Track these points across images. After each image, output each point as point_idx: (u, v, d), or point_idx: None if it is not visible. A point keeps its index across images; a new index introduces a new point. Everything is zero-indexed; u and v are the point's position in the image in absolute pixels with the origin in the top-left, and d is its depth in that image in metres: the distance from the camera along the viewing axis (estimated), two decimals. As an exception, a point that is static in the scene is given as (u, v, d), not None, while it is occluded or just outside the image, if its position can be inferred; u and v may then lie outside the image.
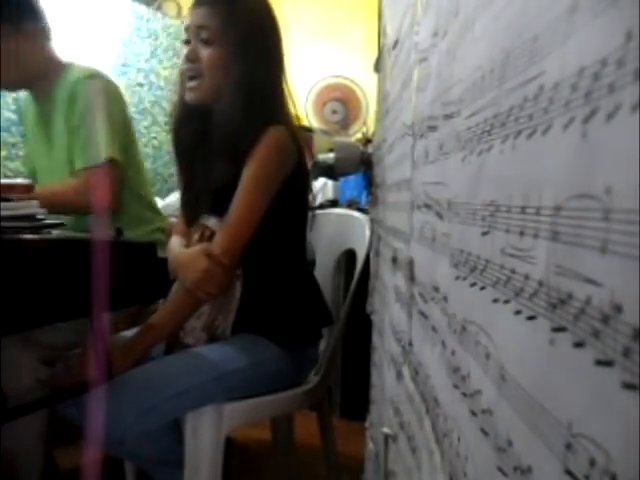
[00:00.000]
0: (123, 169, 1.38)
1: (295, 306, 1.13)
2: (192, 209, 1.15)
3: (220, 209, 1.04)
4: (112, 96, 1.37)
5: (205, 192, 1.09)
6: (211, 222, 1.07)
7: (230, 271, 1.02)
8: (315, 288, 1.21)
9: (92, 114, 1.30)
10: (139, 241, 1.29)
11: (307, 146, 1.16)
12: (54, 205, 1.18)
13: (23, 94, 1.50)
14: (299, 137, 1.11)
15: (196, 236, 1.09)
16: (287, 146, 1.06)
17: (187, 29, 1.07)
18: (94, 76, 1.35)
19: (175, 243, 1.16)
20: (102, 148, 1.31)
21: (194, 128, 1.12)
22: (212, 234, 1.06)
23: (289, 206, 1.11)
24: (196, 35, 1.05)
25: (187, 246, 1.11)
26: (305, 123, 2.46)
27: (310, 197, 1.20)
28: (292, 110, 1.14)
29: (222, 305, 1.06)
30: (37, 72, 1.34)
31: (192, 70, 1.06)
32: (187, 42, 1.07)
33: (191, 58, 1.05)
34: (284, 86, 1.12)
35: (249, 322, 1.07)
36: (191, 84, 1.07)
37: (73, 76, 1.34)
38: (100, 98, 1.31)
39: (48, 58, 1.36)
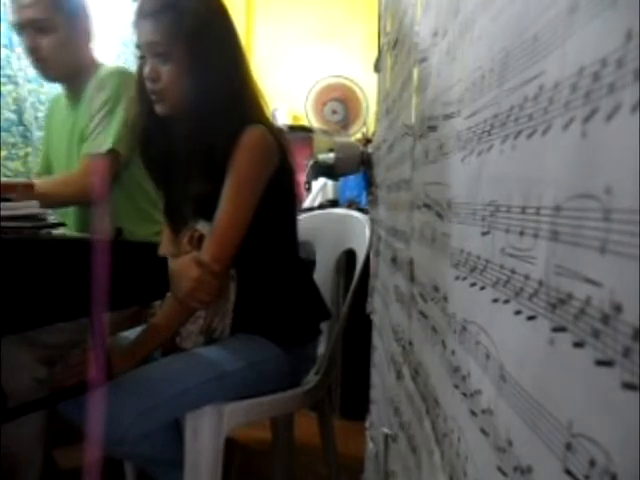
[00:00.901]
0: (123, 164, 1.38)
1: (291, 303, 1.13)
2: (177, 216, 1.14)
3: (206, 213, 1.03)
4: (123, 87, 1.37)
5: (189, 199, 1.08)
6: (200, 225, 1.07)
7: (221, 277, 1.02)
8: (311, 284, 1.21)
9: (111, 104, 1.33)
10: (139, 241, 1.29)
11: (288, 143, 1.14)
12: (51, 198, 1.21)
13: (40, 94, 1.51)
14: (279, 134, 1.09)
15: (185, 239, 1.09)
16: (268, 144, 1.04)
17: (138, 46, 1.04)
18: (122, 72, 1.39)
19: (164, 251, 1.15)
20: (108, 138, 1.32)
21: (164, 137, 1.09)
22: (201, 237, 1.05)
23: (277, 204, 1.09)
24: (149, 51, 1.02)
25: (176, 252, 1.10)
26: (305, 123, 2.46)
27: (300, 192, 1.19)
28: (265, 107, 1.12)
29: (218, 308, 1.06)
30: (77, 68, 1.39)
31: (156, 89, 1.03)
32: (142, 58, 1.04)
33: (152, 78, 1.02)
34: (252, 84, 1.10)
35: (246, 322, 1.07)
36: (157, 99, 1.04)
37: (103, 71, 1.38)
38: (123, 92, 1.33)
39: (88, 57, 1.42)
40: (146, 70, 1.03)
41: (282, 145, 1.08)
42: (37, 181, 1.33)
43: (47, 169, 1.53)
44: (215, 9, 1.07)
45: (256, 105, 1.09)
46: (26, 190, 0.95)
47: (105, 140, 1.33)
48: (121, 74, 1.37)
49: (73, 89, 1.43)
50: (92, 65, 1.42)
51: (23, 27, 1.32)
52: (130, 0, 2.37)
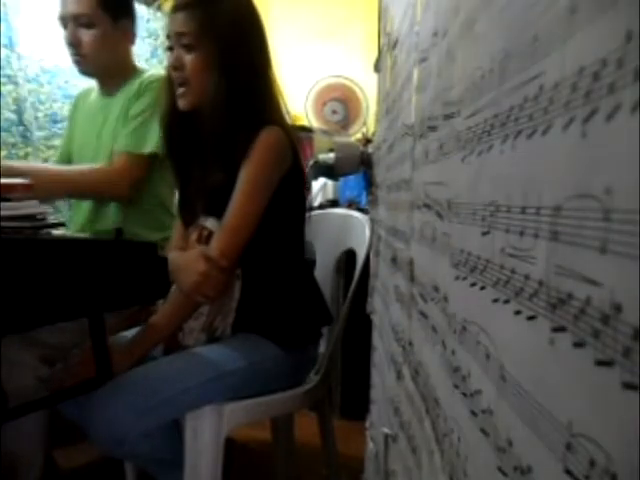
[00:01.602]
0: (158, 169, 1.40)
1: (294, 306, 1.13)
2: (189, 210, 1.15)
3: (217, 210, 1.04)
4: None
5: (202, 194, 1.09)
6: (209, 222, 1.07)
7: (228, 273, 1.02)
8: (314, 287, 1.21)
9: (153, 110, 1.34)
10: (139, 241, 1.29)
11: (302, 145, 1.16)
12: (78, 186, 1.26)
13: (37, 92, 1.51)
14: (294, 136, 1.10)
15: (194, 236, 1.09)
16: (282, 146, 1.05)
17: (168, 36, 1.07)
18: (157, 79, 1.39)
19: (173, 245, 1.16)
20: (150, 140, 1.34)
21: (187, 131, 1.11)
22: (210, 234, 1.06)
23: (287, 206, 1.10)
24: (177, 42, 1.05)
25: (185, 247, 1.11)
26: (305, 123, 2.46)
27: (308, 197, 1.20)
28: (285, 109, 1.14)
29: (221, 306, 1.06)
30: (115, 67, 1.41)
31: (179, 78, 1.06)
32: (170, 49, 1.07)
33: (176, 66, 1.05)
34: (274, 85, 1.11)
35: (248, 322, 1.07)
36: (180, 91, 1.07)
37: (145, 77, 1.40)
38: (155, 95, 1.35)
39: (128, 58, 1.46)
40: (170, 59, 1.06)
41: (296, 147, 1.10)
42: (69, 167, 1.36)
43: (66, 161, 1.53)
44: (247, 9, 1.10)
45: (276, 106, 1.11)
46: (26, 190, 0.95)
47: (148, 142, 1.35)
48: (157, 79, 1.38)
49: (108, 87, 1.45)
50: (130, 67, 1.45)
51: (67, 21, 1.34)
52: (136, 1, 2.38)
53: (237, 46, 1.05)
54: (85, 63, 1.38)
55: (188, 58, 1.04)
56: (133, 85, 1.40)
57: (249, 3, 1.11)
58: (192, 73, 1.05)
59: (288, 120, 1.14)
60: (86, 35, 1.34)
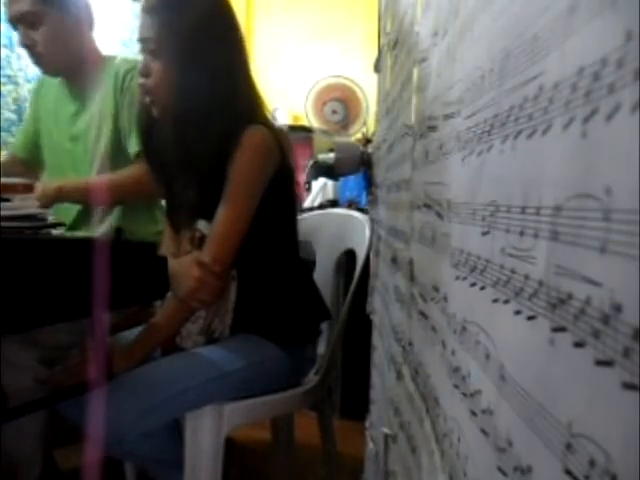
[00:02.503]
0: None
1: (291, 303, 1.13)
2: (178, 216, 1.14)
3: (207, 213, 1.03)
4: None
5: (189, 199, 1.08)
6: (201, 225, 1.06)
7: (222, 278, 1.02)
8: (311, 284, 1.21)
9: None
10: (139, 241, 1.29)
11: (289, 143, 1.13)
12: (114, 197, 1.23)
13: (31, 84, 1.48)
14: (279, 134, 1.08)
15: (186, 240, 1.09)
16: (268, 145, 1.03)
17: (138, 41, 1.04)
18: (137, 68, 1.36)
19: (165, 250, 1.15)
20: None
21: (163, 138, 1.08)
22: (202, 237, 1.05)
23: (278, 204, 1.09)
24: (144, 47, 1.01)
25: (177, 251, 1.10)
26: (305, 123, 2.46)
27: (299, 193, 1.19)
28: (266, 107, 1.11)
29: (218, 308, 1.06)
30: (78, 59, 1.35)
31: (145, 84, 1.02)
32: (142, 52, 1.03)
33: (142, 73, 1.01)
34: (251, 85, 1.08)
35: (246, 322, 1.07)
36: (148, 98, 1.03)
37: (116, 69, 1.34)
38: None
39: (90, 47, 1.37)
40: (139, 65, 1.02)
41: (282, 146, 1.07)
42: (107, 176, 1.31)
43: (28, 153, 1.48)
44: (217, 8, 1.05)
45: (256, 105, 1.09)
46: (26, 190, 0.95)
47: None
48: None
49: (76, 82, 1.39)
50: (96, 56, 1.38)
51: (15, 23, 1.28)
52: (130, 0, 2.38)
53: (204, 48, 1.01)
54: (45, 63, 1.32)
55: (154, 65, 1.00)
56: (108, 77, 1.34)
57: (220, 3, 1.06)
58: (159, 80, 1.00)
59: (270, 118, 1.11)
60: (36, 34, 1.27)
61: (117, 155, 1.36)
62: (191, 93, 1.00)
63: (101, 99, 1.35)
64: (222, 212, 1.00)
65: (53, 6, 1.27)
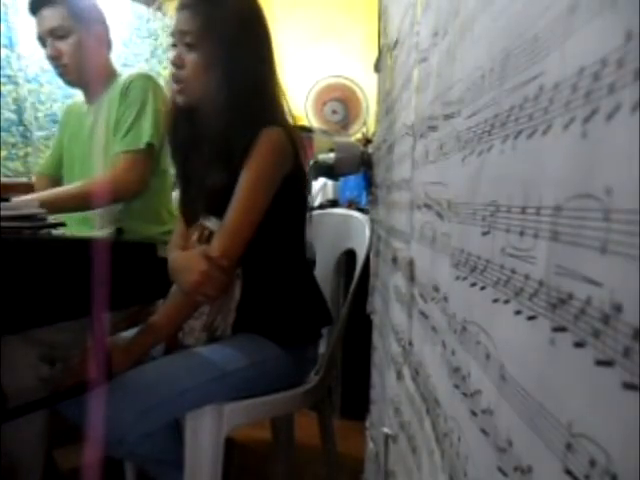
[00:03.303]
0: (157, 160, 1.43)
1: (295, 305, 1.13)
2: (191, 210, 1.15)
3: (218, 210, 1.04)
4: (160, 95, 1.44)
5: (203, 193, 1.09)
6: (210, 222, 1.07)
7: (229, 273, 1.02)
8: (315, 287, 1.21)
9: (140, 104, 1.39)
10: (139, 241, 1.29)
11: (303, 146, 1.15)
12: (91, 201, 1.27)
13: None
14: (295, 137, 1.10)
15: (195, 236, 1.09)
16: (284, 147, 1.05)
17: (172, 34, 1.07)
18: (147, 76, 1.46)
19: (174, 245, 1.16)
20: (144, 134, 1.38)
21: (188, 130, 1.11)
22: (211, 234, 1.06)
23: (288, 206, 1.10)
24: (180, 39, 1.05)
25: (186, 246, 1.11)
26: (305, 123, 2.46)
27: (309, 197, 1.20)
28: (287, 110, 1.13)
29: (222, 305, 1.06)
30: (96, 73, 1.46)
31: (178, 75, 1.06)
32: (174, 46, 1.07)
33: (176, 63, 1.05)
34: (276, 86, 1.11)
35: (249, 322, 1.07)
36: (177, 87, 1.07)
37: (123, 81, 1.44)
38: (149, 94, 1.40)
39: (107, 63, 1.51)
40: (172, 56, 1.06)
41: (297, 148, 1.09)
42: (76, 184, 1.38)
43: (55, 171, 1.57)
44: (251, 8, 1.10)
45: (278, 106, 1.11)
46: (26, 190, 0.95)
47: (141, 136, 1.38)
48: (145, 77, 1.44)
49: (91, 94, 1.50)
50: (111, 72, 1.51)
51: (45, 38, 1.41)
52: (130, 0, 2.38)
53: (239, 46, 1.05)
54: (69, 72, 1.44)
55: (189, 57, 1.04)
56: (114, 89, 1.45)
57: (253, 2, 1.10)
58: (192, 72, 1.05)
59: (290, 120, 1.14)
60: (64, 45, 1.41)
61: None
62: (224, 86, 1.04)
63: (108, 111, 1.45)
64: (233, 208, 1.01)
65: (81, 22, 1.41)
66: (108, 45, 1.51)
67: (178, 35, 1.05)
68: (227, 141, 1.04)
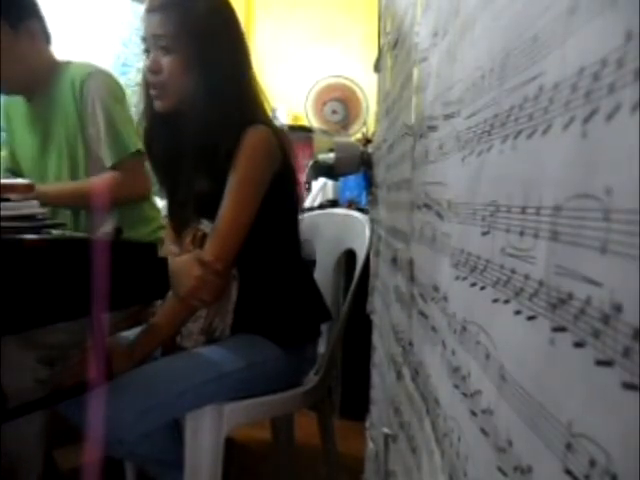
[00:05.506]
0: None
1: (292, 304, 1.13)
2: (179, 216, 1.14)
3: (209, 212, 1.03)
4: (115, 89, 1.37)
5: (192, 199, 1.08)
6: (203, 224, 1.07)
7: (224, 276, 1.02)
8: (312, 285, 1.21)
9: (104, 112, 1.31)
10: (139, 241, 1.29)
11: (290, 143, 1.14)
12: (87, 202, 1.23)
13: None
14: (281, 134, 1.09)
15: (188, 239, 1.09)
16: (270, 145, 1.04)
17: (144, 38, 1.04)
18: (93, 74, 1.34)
19: (166, 251, 1.15)
20: (127, 141, 1.33)
21: (169, 136, 1.09)
22: (204, 236, 1.05)
23: (279, 204, 1.09)
24: (154, 44, 1.02)
25: (178, 252, 1.10)
26: (305, 123, 2.46)
27: (300, 193, 1.19)
28: (268, 107, 1.12)
29: (219, 307, 1.06)
30: (35, 73, 1.33)
31: (156, 81, 1.03)
32: (147, 51, 1.04)
33: (153, 69, 1.03)
34: (255, 84, 1.10)
35: (247, 322, 1.07)
36: (155, 93, 1.05)
37: (72, 77, 1.33)
38: (106, 94, 1.33)
39: (47, 60, 1.35)
40: (147, 62, 1.04)
41: (284, 145, 1.08)
42: (83, 182, 1.34)
43: (17, 165, 1.49)
44: (222, 9, 1.08)
45: (259, 105, 1.10)
46: (26, 190, 0.95)
47: (126, 143, 1.33)
48: (91, 81, 1.32)
49: (35, 94, 1.37)
50: (51, 66, 1.35)
51: None
52: (130, 0, 2.38)
53: (215, 46, 1.03)
54: (2, 81, 1.26)
55: (165, 60, 1.02)
56: (62, 84, 1.33)
57: (225, 2, 1.08)
58: (170, 76, 1.02)
59: (272, 118, 1.13)
60: None
61: (92, 163, 1.36)
62: (199, 89, 1.02)
63: (61, 106, 1.34)
64: (224, 210, 1.01)
65: (5, 21, 1.22)
66: (47, 40, 1.33)
67: (151, 39, 1.02)
68: (212, 143, 1.02)
